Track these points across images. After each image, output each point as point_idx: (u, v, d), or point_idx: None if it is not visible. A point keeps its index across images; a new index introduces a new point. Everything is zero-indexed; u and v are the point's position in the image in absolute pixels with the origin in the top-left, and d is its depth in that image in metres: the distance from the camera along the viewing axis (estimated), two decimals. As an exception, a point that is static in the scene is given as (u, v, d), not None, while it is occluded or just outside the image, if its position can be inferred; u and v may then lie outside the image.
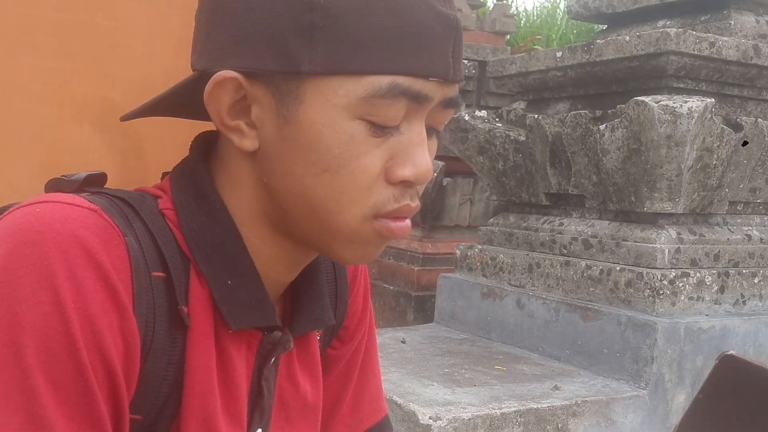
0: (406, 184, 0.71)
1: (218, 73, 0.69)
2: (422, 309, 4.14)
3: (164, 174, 0.80)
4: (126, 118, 0.81)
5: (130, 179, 0.82)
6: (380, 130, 0.69)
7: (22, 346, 0.60)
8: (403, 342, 2.95)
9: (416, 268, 4.25)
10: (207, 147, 0.78)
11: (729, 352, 0.65)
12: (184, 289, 0.72)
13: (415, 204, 0.73)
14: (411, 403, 2.20)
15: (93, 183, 0.75)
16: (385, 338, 2.99)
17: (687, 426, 0.66)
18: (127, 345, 0.66)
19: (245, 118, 0.71)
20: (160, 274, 0.70)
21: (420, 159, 0.70)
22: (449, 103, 0.72)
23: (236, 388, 0.75)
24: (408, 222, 0.73)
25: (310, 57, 0.66)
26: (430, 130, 0.73)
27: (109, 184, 0.77)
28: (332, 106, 0.67)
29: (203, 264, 0.73)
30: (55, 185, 0.74)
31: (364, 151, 0.68)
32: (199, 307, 0.72)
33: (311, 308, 0.82)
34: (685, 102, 2.48)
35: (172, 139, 0.94)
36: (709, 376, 0.66)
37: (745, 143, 2.72)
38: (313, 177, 0.69)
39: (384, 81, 0.66)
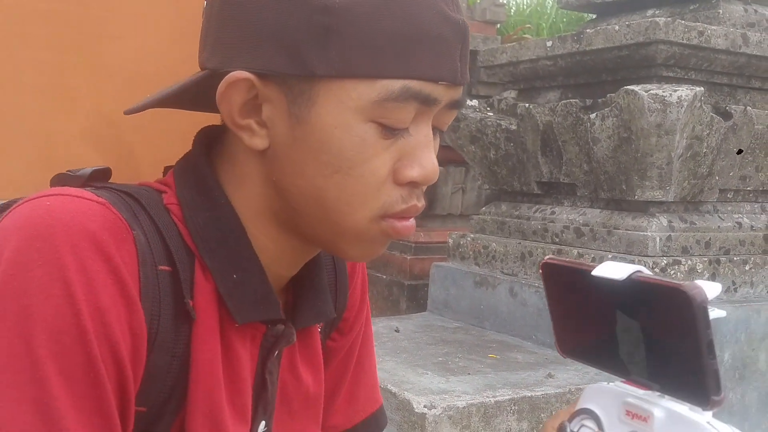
0: (413, 185, 0.72)
1: (231, 74, 0.70)
2: (415, 298, 4.15)
3: (166, 168, 0.81)
4: (130, 111, 0.82)
5: (123, 171, 0.83)
6: (390, 132, 0.70)
7: (33, 338, 0.61)
8: (397, 331, 2.96)
9: (409, 257, 4.26)
10: (210, 142, 0.79)
11: (546, 260, 0.67)
12: (189, 283, 0.72)
13: (421, 204, 0.74)
14: (405, 392, 2.21)
15: (98, 178, 0.76)
16: (379, 327, 3.00)
17: (560, 339, 0.69)
18: (135, 337, 0.67)
19: (256, 117, 0.72)
20: (166, 268, 0.71)
21: (426, 160, 0.72)
22: (454, 105, 0.74)
23: (241, 381, 0.76)
24: (413, 221, 0.75)
25: (324, 60, 0.67)
26: (434, 130, 0.75)
27: None
28: (345, 108, 0.68)
29: (208, 258, 0.73)
30: (61, 180, 0.75)
31: (375, 154, 0.70)
32: (204, 301, 0.73)
33: (313, 302, 0.83)
34: (675, 91, 2.50)
35: (166, 132, 0.94)
36: (544, 288, 0.68)
37: (740, 152, 2.75)
38: (324, 178, 0.70)
39: (396, 85, 0.67)
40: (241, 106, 0.71)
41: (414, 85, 0.68)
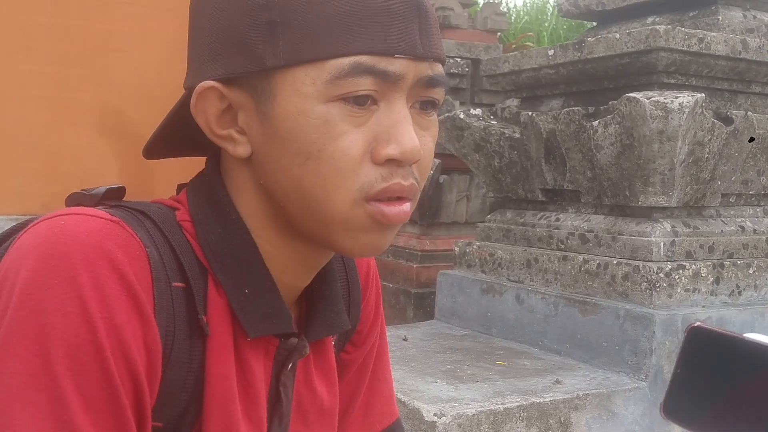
0: (393, 163, 0.71)
1: (198, 85, 0.73)
2: (422, 306, 4.18)
3: (180, 186, 0.83)
4: (150, 156, 0.85)
5: (128, 183, 0.85)
6: (358, 107, 0.70)
7: (51, 356, 0.62)
8: (405, 339, 2.99)
9: (415, 266, 4.29)
10: (219, 160, 0.81)
11: (696, 324, 0.67)
12: (202, 299, 0.74)
13: (409, 183, 0.73)
14: (415, 401, 2.23)
15: (113, 197, 0.77)
16: (387, 336, 3.02)
17: (672, 401, 0.68)
18: (150, 353, 0.68)
19: (235, 126, 0.74)
20: (180, 284, 0.72)
21: (403, 136, 0.71)
22: (430, 81, 0.73)
23: (256, 395, 0.77)
24: (405, 207, 0.73)
25: (273, 52, 0.69)
26: (428, 106, 0.75)
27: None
28: (302, 95, 0.70)
29: (221, 274, 0.75)
30: (76, 199, 0.77)
31: (341, 132, 0.70)
32: (217, 316, 0.74)
33: (326, 314, 0.84)
34: (676, 97, 2.52)
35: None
36: (681, 350, 0.67)
37: (751, 139, 2.77)
38: (299, 167, 0.71)
39: (346, 62, 0.69)
40: (217, 116, 0.74)
41: (365, 60, 0.69)
